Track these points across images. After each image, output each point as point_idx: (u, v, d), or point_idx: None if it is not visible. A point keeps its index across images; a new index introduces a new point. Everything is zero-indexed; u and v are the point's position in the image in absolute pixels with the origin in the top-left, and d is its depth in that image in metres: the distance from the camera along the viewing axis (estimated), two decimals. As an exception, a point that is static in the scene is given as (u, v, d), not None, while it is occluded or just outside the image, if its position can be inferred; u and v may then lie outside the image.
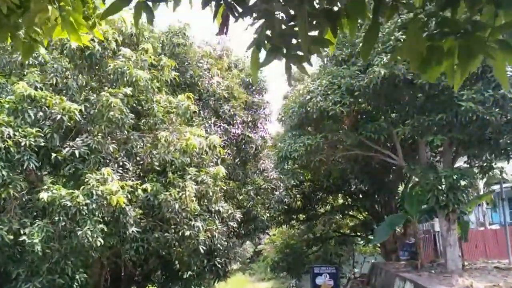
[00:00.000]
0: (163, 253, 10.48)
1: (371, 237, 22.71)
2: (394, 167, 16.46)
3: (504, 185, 15.83)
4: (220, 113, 15.64)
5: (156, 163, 10.08)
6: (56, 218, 8.05)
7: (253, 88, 17.94)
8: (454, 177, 11.16)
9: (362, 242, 26.19)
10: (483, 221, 20.78)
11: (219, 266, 14.15)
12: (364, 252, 26.38)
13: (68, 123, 9.07)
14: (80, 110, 9.34)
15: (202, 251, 10.33)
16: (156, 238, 9.68)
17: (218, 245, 12.47)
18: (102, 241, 7.96)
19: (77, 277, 8.33)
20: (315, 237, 23.77)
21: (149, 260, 11.57)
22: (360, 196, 20.67)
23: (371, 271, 18.40)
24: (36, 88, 9.13)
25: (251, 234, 17.70)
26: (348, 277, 25.44)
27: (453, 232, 12.92)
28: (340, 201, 23.09)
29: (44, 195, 8.01)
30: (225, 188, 12.24)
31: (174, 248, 10.33)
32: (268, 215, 17.83)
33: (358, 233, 23.03)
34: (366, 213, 22.09)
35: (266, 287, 42.65)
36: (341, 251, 25.44)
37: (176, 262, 10.39)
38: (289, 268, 23.65)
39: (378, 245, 24.41)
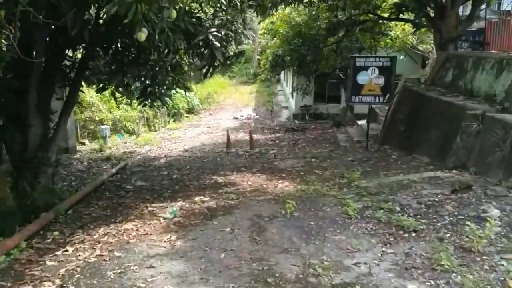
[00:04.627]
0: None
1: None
2: None
3: None
4: None
5: None
6: None
7: None
8: None
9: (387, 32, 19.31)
10: None
11: (217, 43, 7.31)
12: (389, 47, 19.84)
13: None
14: None
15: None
16: None
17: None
18: None
19: None
20: (338, 22, 16.65)
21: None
22: None
23: (442, 64, 11.98)
24: None
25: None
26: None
27: None
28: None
29: None
30: None
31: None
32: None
33: (403, 15, 15.86)
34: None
35: (251, 91, 37.21)
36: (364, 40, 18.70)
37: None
38: (300, 64, 17.12)
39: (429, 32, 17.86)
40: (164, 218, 6.44)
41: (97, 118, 19.18)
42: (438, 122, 9.43)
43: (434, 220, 5.35)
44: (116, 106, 20.04)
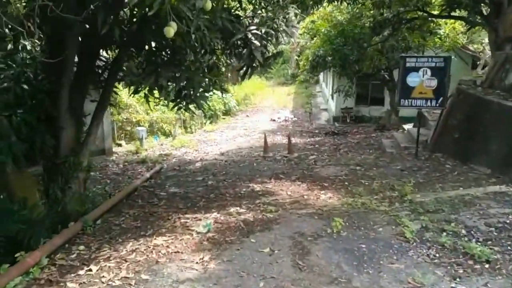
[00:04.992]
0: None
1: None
2: None
3: None
4: None
5: None
6: None
7: None
8: None
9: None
10: None
11: (256, 42, 6.74)
12: (438, 46, 18.61)
13: None
14: None
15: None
16: None
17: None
18: None
19: None
20: (384, 20, 15.72)
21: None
22: None
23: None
24: None
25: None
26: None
27: None
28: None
29: None
30: None
31: None
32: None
33: (455, 12, 14.75)
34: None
35: (289, 92, 36.49)
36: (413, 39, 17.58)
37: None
38: (343, 64, 16.31)
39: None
40: (197, 233, 5.91)
41: (134, 120, 19.05)
42: (501, 129, 8.47)
43: (509, 247, 4.55)
44: (153, 108, 19.88)
